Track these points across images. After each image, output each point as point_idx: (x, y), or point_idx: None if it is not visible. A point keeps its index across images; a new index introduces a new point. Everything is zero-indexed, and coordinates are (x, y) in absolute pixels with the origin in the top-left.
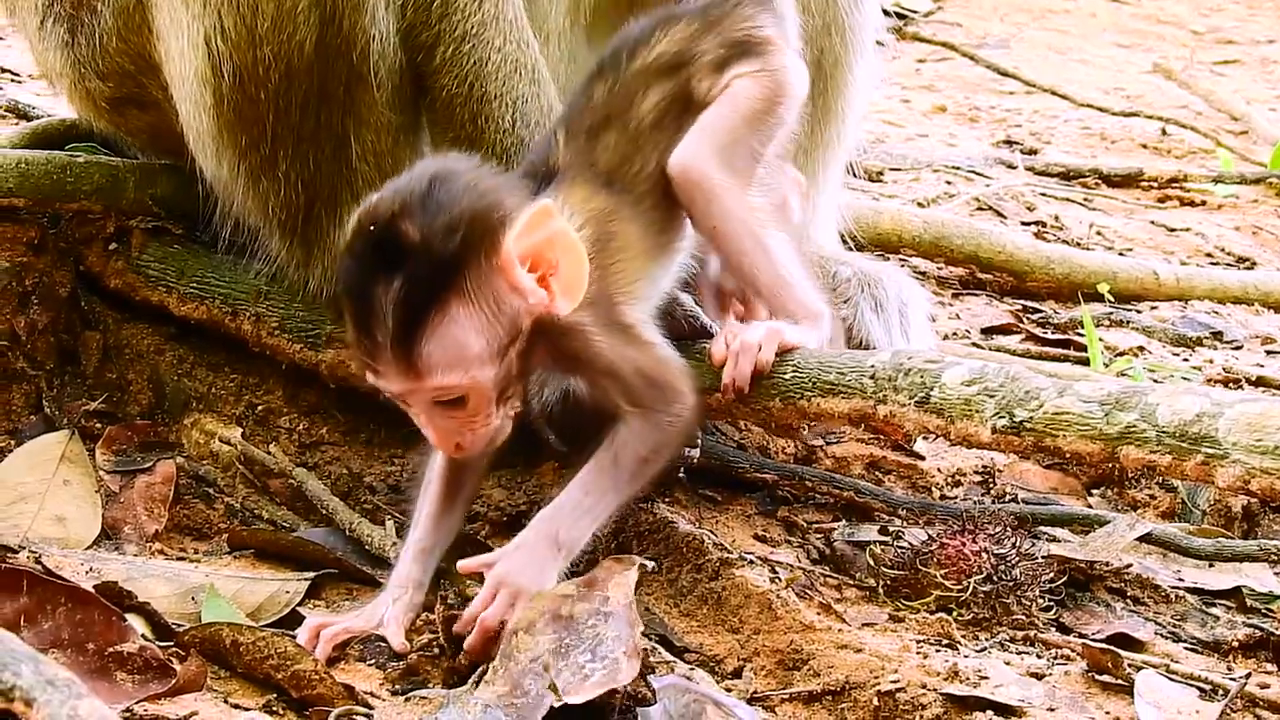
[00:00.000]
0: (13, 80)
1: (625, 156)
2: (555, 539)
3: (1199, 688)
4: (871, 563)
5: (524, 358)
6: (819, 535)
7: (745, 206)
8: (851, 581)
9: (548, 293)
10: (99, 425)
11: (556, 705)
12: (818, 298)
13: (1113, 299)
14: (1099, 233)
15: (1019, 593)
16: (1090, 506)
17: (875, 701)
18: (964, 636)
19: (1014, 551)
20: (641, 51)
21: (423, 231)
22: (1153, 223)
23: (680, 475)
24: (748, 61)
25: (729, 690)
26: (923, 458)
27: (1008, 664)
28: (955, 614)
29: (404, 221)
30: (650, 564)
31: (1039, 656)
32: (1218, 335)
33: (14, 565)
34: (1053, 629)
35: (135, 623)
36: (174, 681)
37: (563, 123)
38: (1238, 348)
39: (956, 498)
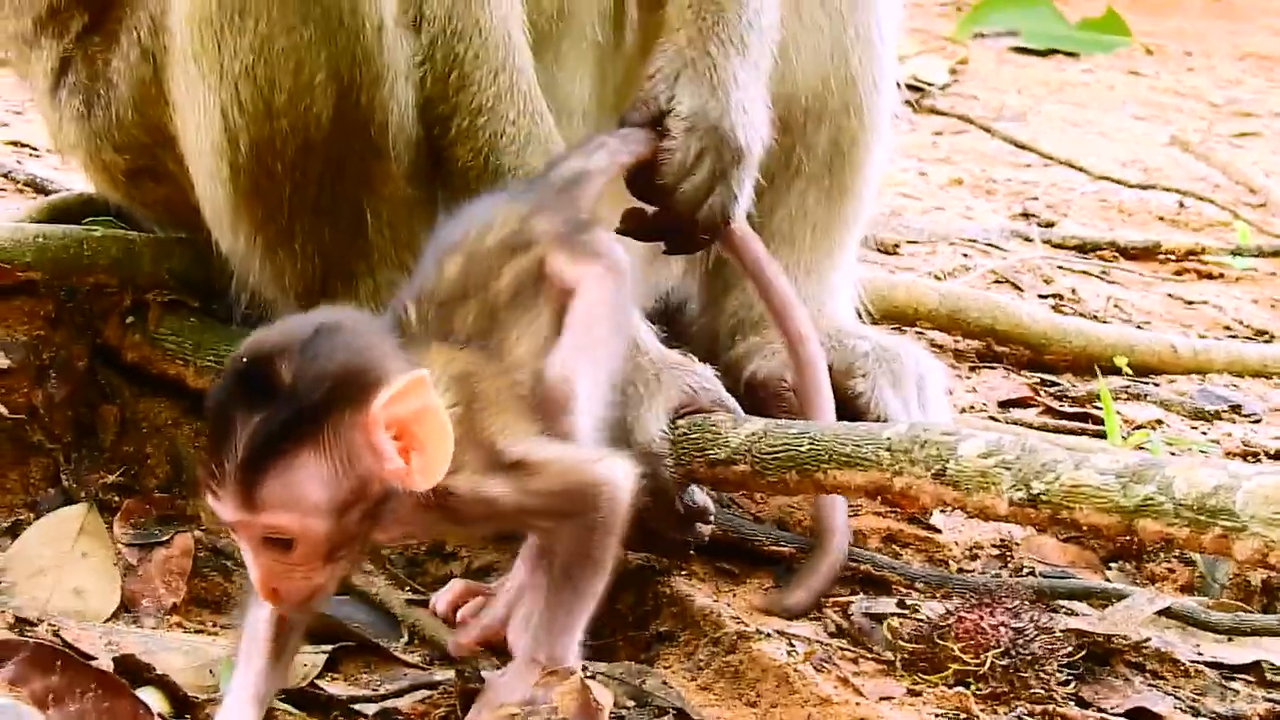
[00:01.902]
0: (31, 155)
1: (484, 329)
2: (542, 664)
3: None
4: (889, 636)
5: (366, 522)
6: (836, 608)
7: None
8: (869, 654)
9: (406, 465)
10: (117, 498)
11: None
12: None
13: (1130, 372)
14: (1116, 305)
15: (1037, 666)
16: (1108, 580)
17: None
18: (982, 710)
19: (1032, 625)
20: (489, 232)
21: (294, 375)
22: (1170, 295)
23: (693, 551)
24: (590, 249)
25: None
26: (940, 531)
27: None
28: (973, 688)
29: (280, 361)
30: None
31: None
32: (1236, 408)
33: (50, 644)
34: (1072, 703)
35: (153, 696)
36: None
37: (410, 296)
38: (1256, 421)
39: (974, 571)
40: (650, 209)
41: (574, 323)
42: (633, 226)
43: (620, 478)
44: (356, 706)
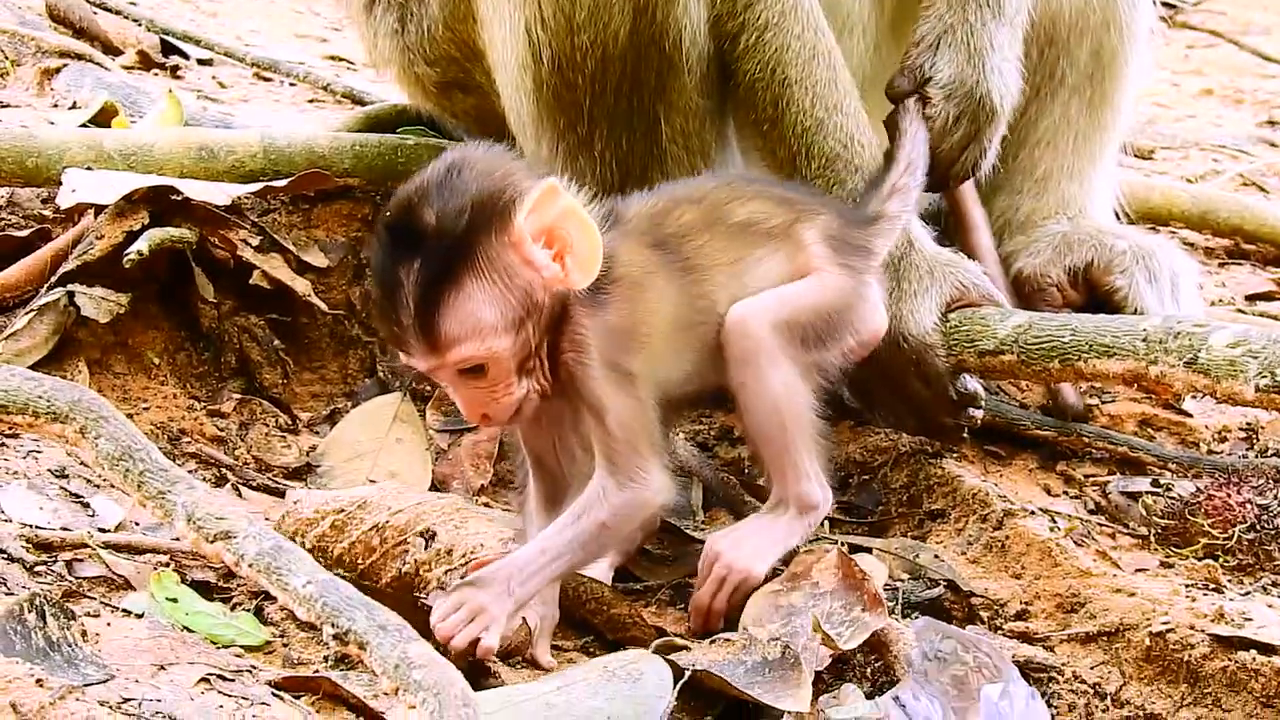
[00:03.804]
0: (349, 68)
1: (691, 231)
2: (509, 588)
3: None
4: (1144, 513)
5: (548, 332)
6: (1095, 488)
7: (782, 380)
8: (1125, 530)
9: (561, 267)
10: (428, 388)
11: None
12: (818, 489)
13: None
14: None
15: None
16: None
17: (1147, 641)
18: (1229, 581)
19: (1276, 502)
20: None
21: (437, 216)
22: None
23: (966, 434)
24: (853, 260)
25: (1011, 632)
26: (1191, 415)
27: (1270, 606)
28: (1221, 560)
29: (422, 208)
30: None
31: None
32: None
33: None
34: None
35: None
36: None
37: (638, 203)
38: None
39: (1222, 452)
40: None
41: (788, 292)
42: None
43: (661, 486)
44: (651, 583)
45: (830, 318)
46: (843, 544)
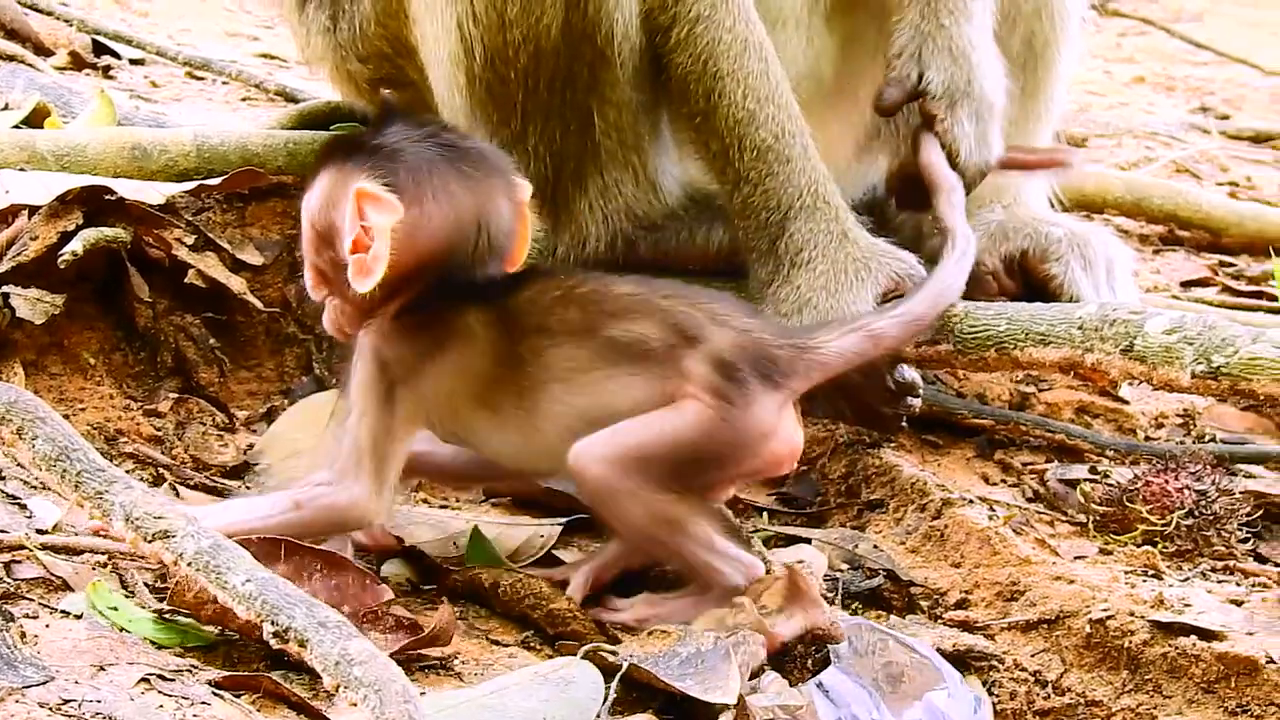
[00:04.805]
0: (281, 66)
1: (560, 333)
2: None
3: None
4: (1082, 500)
5: (339, 276)
6: (1033, 475)
7: (641, 513)
8: (1064, 518)
9: (355, 250)
10: None
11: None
12: (729, 569)
13: None
14: None
15: (1219, 526)
16: None
17: (1087, 629)
18: (1168, 567)
19: (1214, 488)
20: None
21: (403, 126)
22: None
23: (904, 424)
24: (742, 389)
25: (951, 621)
26: (1128, 402)
27: (1209, 592)
28: (1160, 547)
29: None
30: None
31: (1238, 585)
32: None
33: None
34: (1251, 559)
35: (400, 568)
36: (423, 635)
37: (566, 279)
38: None
39: (1160, 439)
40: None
41: (631, 426)
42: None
43: (344, 505)
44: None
45: (697, 449)
46: (780, 534)
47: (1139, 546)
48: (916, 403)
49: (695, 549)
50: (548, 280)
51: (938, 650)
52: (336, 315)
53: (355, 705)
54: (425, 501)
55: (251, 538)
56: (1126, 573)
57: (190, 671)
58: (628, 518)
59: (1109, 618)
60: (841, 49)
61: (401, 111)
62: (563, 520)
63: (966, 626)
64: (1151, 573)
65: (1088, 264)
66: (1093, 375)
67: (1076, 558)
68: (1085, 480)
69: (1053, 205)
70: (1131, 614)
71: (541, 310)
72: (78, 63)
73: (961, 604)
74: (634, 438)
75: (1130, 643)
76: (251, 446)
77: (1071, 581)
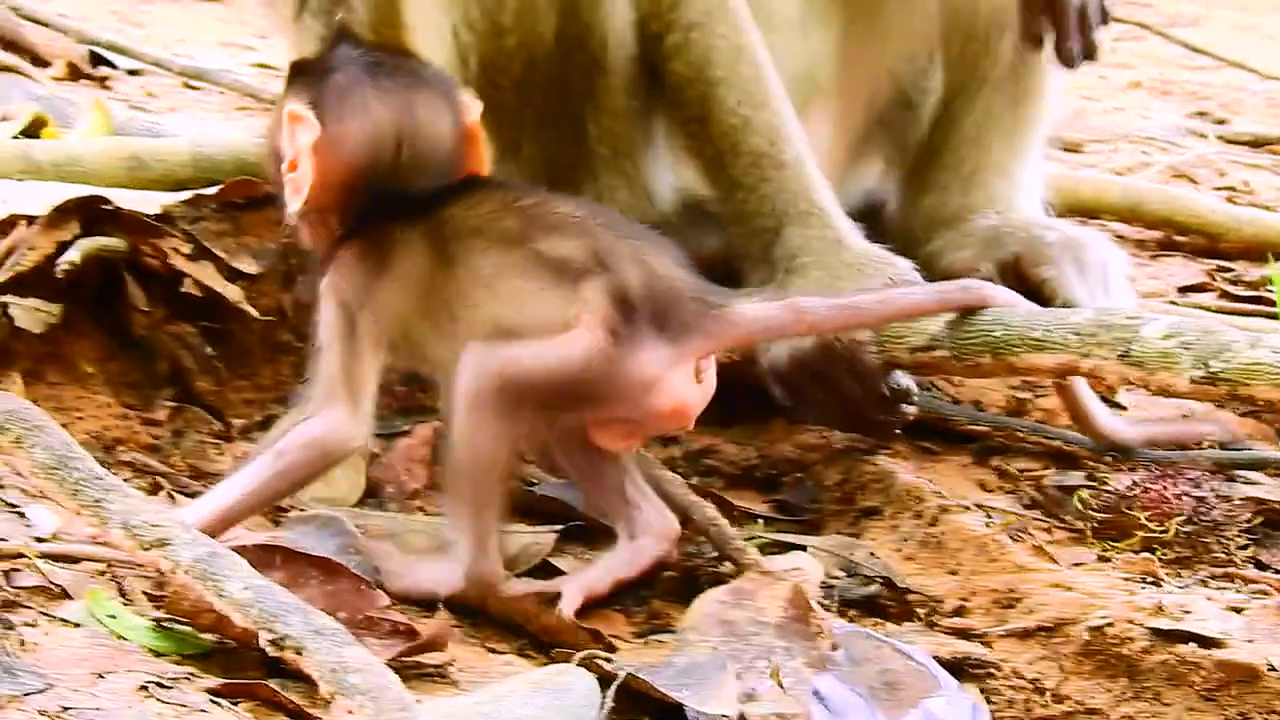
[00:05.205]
0: (277, 75)
1: (493, 240)
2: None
3: None
4: (1079, 507)
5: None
6: (1030, 482)
7: (489, 436)
8: (1061, 525)
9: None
10: None
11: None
12: (477, 565)
13: None
14: None
15: (1218, 533)
16: None
17: (1086, 636)
18: (1167, 574)
19: (1212, 494)
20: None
21: (362, 51)
22: None
23: (898, 431)
24: (634, 329)
25: (948, 629)
26: (1125, 408)
27: (1209, 599)
28: (1159, 553)
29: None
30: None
31: (1238, 592)
32: None
33: (269, 542)
34: (1250, 566)
35: None
36: (418, 641)
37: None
38: None
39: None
40: None
41: (527, 350)
42: None
43: (324, 434)
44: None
45: (573, 382)
46: (775, 541)
47: (1137, 553)
48: (911, 410)
49: (483, 515)
50: (492, 190)
51: (935, 658)
52: (303, 232)
53: (352, 712)
54: (422, 510)
55: (247, 545)
56: (1125, 580)
57: (188, 679)
58: (473, 440)
59: (1107, 625)
60: (835, 51)
61: (352, 35)
62: (559, 528)
63: (963, 634)
64: (1150, 580)
65: (1082, 268)
66: (1089, 381)
67: (1074, 565)
68: (1083, 487)
69: (1047, 212)
70: (1130, 621)
71: (480, 216)
72: (75, 73)
73: (958, 611)
74: (525, 364)
75: (1129, 650)
76: (247, 455)
77: (1069, 589)
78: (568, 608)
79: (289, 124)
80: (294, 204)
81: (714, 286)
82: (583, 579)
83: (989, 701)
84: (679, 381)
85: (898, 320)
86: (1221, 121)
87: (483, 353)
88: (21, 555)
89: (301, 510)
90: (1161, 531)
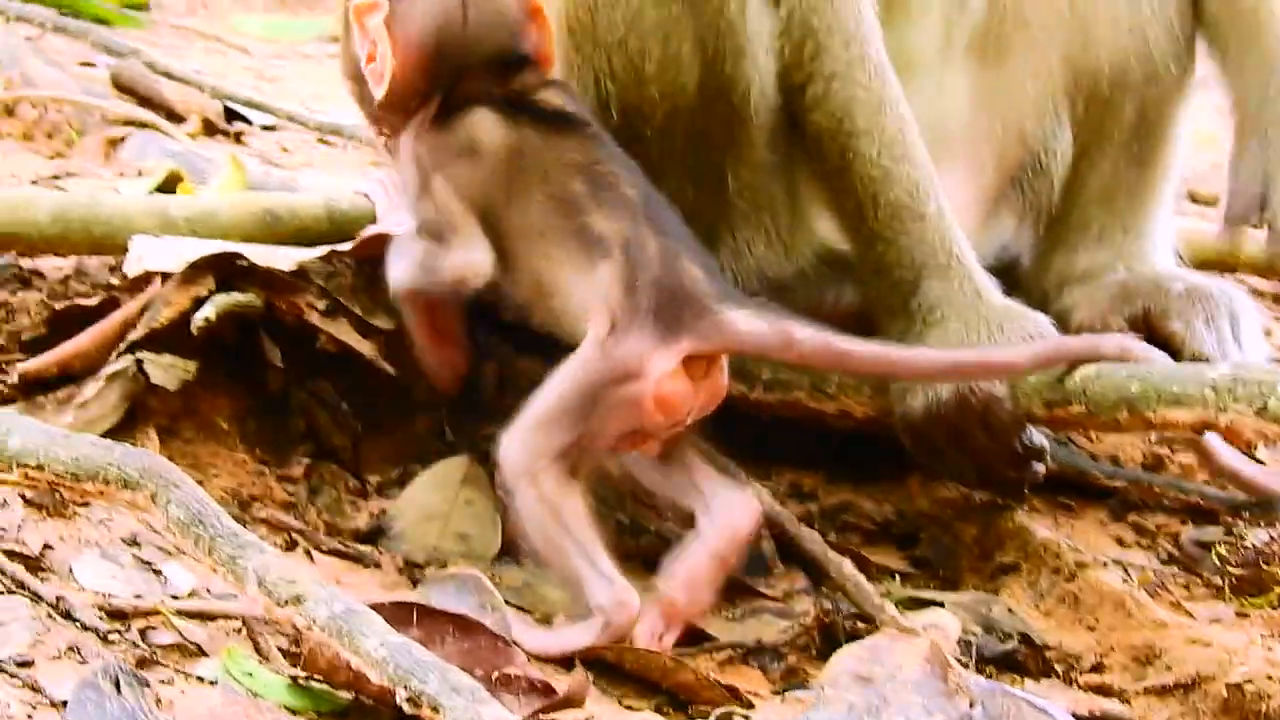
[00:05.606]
0: None
1: (554, 191)
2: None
3: None
4: (1217, 562)
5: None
6: (1168, 537)
7: (535, 504)
8: (1199, 580)
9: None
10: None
11: None
12: (606, 595)
13: None
14: None
15: None
16: None
17: (1224, 693)
18: None
19: None
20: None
21: None
22: None
23: (1027, 489)
24: (612, 304)
25: (1086, 685)
26: (1264, 464)
27: None
28: None
29: None
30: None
31: None
32: None
33: (404, 600)
34: None
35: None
36: (555, 699)
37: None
38: None
39: None
40: None
41: (540, 393)
42: None
43: (457, 257)
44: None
45: (581, 388)
46: (912, 597)
47: (1275, 609)
48: (1042, 468)
49: (576, 557)
50: (581, 140)
51: (1073, 714)
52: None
53: None
54: None
55: (384, 603)
56: (1264, 636)
57: None
58: (525, 505)
59: (1247, 681)
60: (971, 100)
61: None
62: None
63: (1102, 691)
64: None
65: (1209, 319)
66: (1226, 436)
67: (1213, 621)
68: (1220, 542)
69: (1180, 264)
70: (1269, 677)
71: (554, 162)
72: (210, 129)
73: (1097, 668)
74: (538, 401)
75: (1268, 707)
76: (384, 512)
77: (1208, 645)
78: (680, 594)
79: (358, 18)
80: (380, 88)
81: (725, 291)
82: (682, 568)
83: None
84: (663, 373)
85: (931, 377)
86: None
87: (509, 434)
88: (158, 613)
89: (439, 569)
90: None
